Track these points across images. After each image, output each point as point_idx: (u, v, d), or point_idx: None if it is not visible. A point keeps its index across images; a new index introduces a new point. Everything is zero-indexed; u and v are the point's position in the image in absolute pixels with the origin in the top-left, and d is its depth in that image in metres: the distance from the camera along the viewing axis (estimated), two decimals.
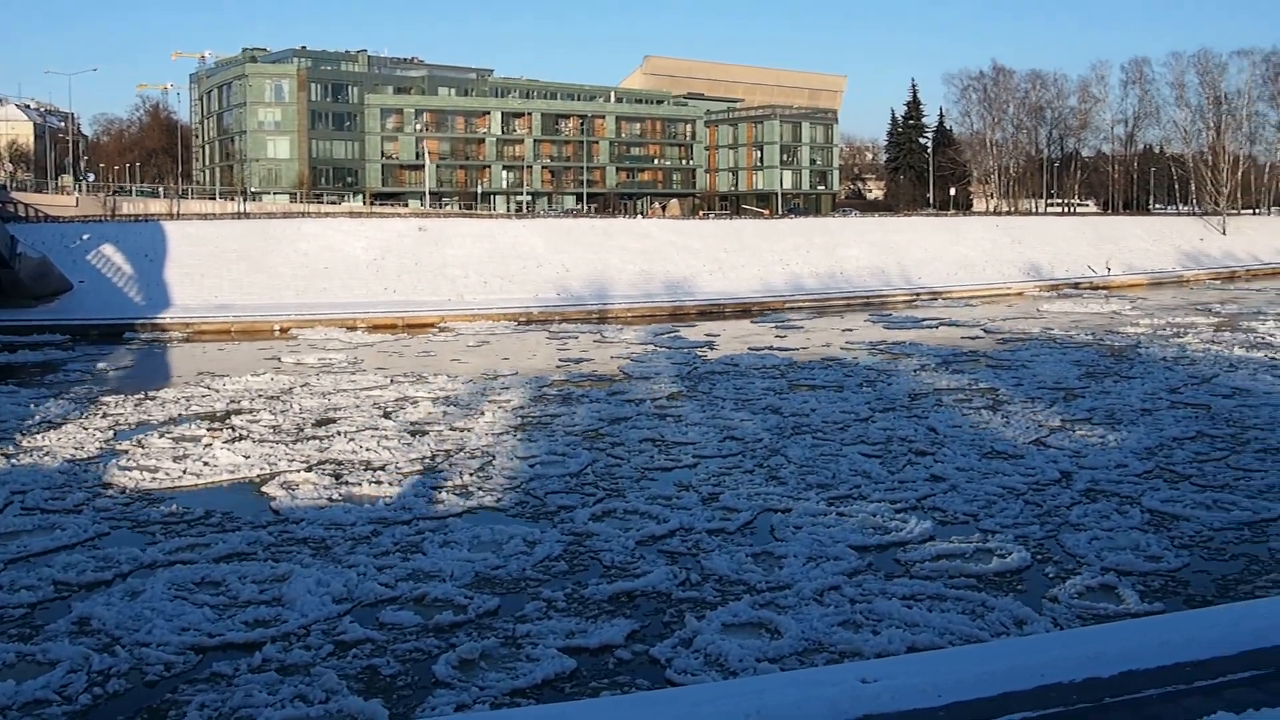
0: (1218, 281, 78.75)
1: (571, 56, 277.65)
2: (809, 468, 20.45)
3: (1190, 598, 13.73)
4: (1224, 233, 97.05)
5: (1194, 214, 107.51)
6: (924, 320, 49.95)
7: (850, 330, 46.59)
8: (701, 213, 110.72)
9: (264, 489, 19.13)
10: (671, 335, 43.81)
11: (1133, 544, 15.60)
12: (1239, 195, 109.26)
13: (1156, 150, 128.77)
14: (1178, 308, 55.66)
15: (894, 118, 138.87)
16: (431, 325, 47.75)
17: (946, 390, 29.39)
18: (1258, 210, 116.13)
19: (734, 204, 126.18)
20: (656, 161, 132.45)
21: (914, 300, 61.95)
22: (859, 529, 16.35)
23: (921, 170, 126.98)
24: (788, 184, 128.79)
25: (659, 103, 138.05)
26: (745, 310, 55.48)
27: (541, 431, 24.09)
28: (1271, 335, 41.12)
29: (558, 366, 35.18)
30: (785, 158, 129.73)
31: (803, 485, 19.22)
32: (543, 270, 59.23)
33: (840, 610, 13.00)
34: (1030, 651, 10.75)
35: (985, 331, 44.84)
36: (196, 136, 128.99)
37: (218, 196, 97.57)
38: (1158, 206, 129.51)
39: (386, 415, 25.88)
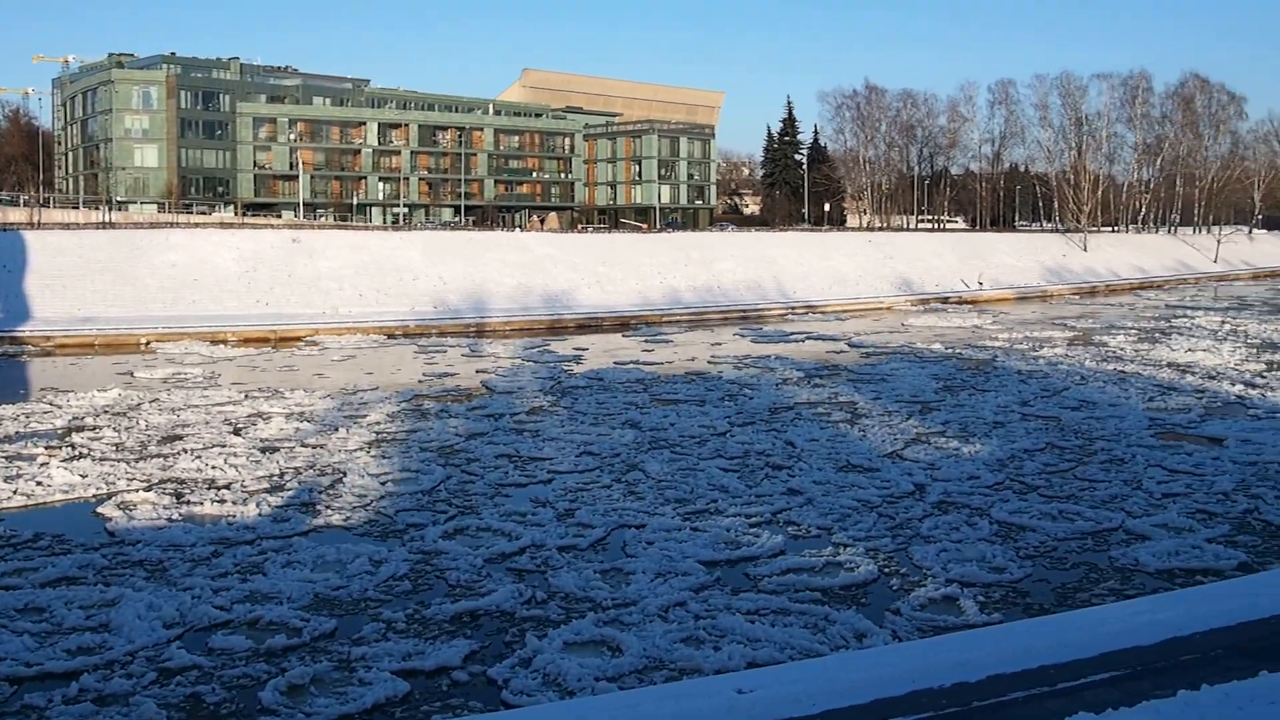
0: (1077, 296, 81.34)
1: (449, 68, 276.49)
2: (667, 483, 20.35)
3: (1028, 607, 13.94)
4: (1085, 249, 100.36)
5: (1057, 231, 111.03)
6: (791, 334, 50.39)
7: (719, 344, 46.75)
8: (580, 226, 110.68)
9: (100, 510, 18.29)
10: (541, 349, 43.49)
11: (979, 555, 15.80)
12: (1099, 213, 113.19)
13: (1022, 169, 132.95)
14: (1036, 322, 57.16)
15: (770, 134, 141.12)
16: (305, 338, 46.73)
17: (807, 404, 29.52)
18: (1116, 228, 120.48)
19: (613, 218, 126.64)
20: (535, 175, 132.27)
21: (789, 314, 62.62)
22: (711, 544, 16.27)
23: (797, 186, 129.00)
24: (666, 198, 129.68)
25: (538, 116, 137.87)
26: (624, 324, 55.51)
27: (396, 448, 23.59)
28: (1121, 349, 42.39)
29: (420, 381, 34.56)
30: (663, 172, 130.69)
31: (660, 500, 19.10)
32: (419, 283, 58.47)
33: (684, 627, 12.89)
34: (902, 658, 11.15)
35: (850, 345, 45.35)
36: (59, 143, 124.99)
37: (82, 205, 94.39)
38: (1023, 223, 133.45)
39: (236, 432, 25.06)
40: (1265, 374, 34.80)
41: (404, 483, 20.30)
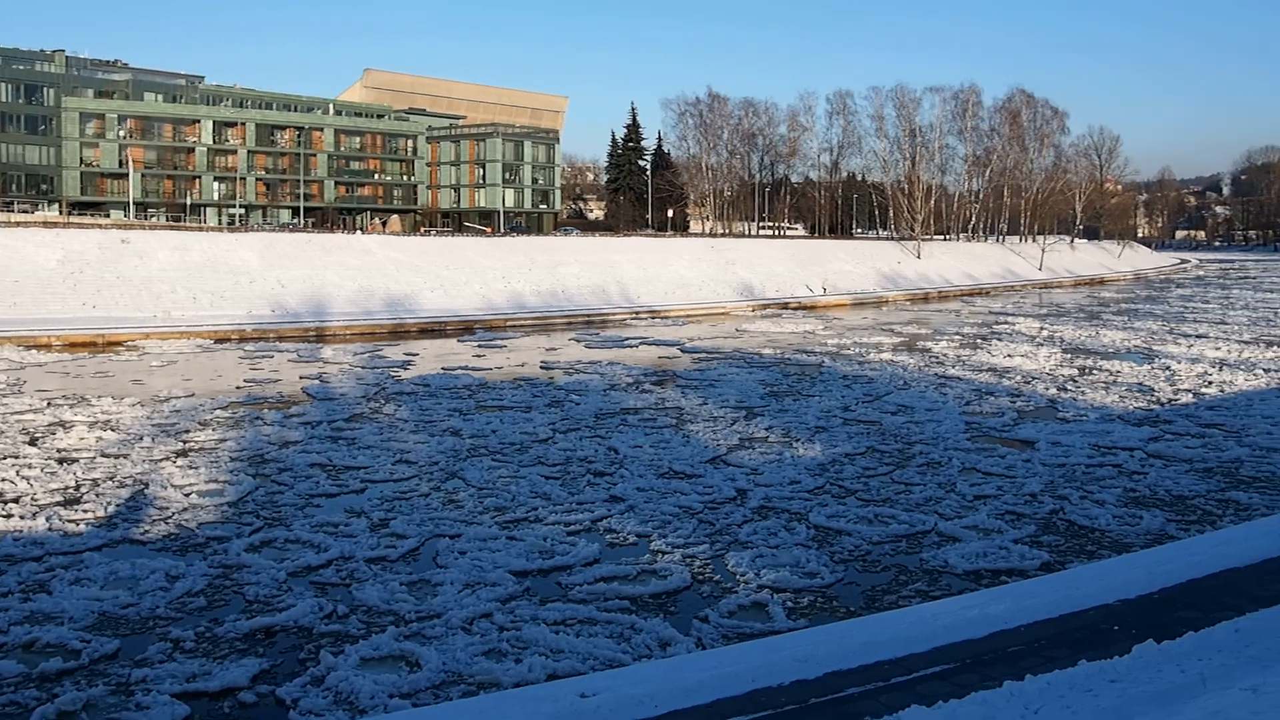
0: (911, 302, 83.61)
1: (288, 66, 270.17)
2: (488, 490, 20.01)
3: (835, 610, 14.07)
4: (919, 257, 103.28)
5: (892, 239, 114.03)
6: (626, 339, 50.44)
7: (554, 349, 46.46)
8: (423, 229, 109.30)
9: None
10: (372, 354, 42.49)
11: (793, 561, 15.90)
12: (932, 222, 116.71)
13: (859, 178, 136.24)
14: (867, 328, 58.34)
15: (614, 140, 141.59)
16: (134, 342, 44.74)
17: (634, 410, 29.44)
18: (948, 236, 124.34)
19: (456, 221, 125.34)
20: (377, 177, 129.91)
21: (633, 318, 62.81)
22: (525, 553, 16.00)
23: (641, 191, 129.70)
24: (510, 202, 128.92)
25: (380, 117, 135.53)
26: (467, 328, 54.82)
27: (204, 458, 22.59)
28: (944, 354, 43.58)
29: (239, 388, 33.25)
30: (508, 176, 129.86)
31: (479, 509, 18.76)
32: (257, 286, 56.64)
33: (487, 639, 12.60)
34: (743, 657, 11.13)
35: (683, 351, 45.54)
36: None
37: None
38: (860, 231, 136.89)
39: (33, 442, 23.68)
40: (1077, 378, 36.17)
41: (210, 494, 19.47)
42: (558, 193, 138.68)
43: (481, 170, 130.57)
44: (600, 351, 45.35)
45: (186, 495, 19.27)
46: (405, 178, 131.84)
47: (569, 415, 28.39)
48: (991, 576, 15.52)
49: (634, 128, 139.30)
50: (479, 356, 43.03)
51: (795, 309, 72.76)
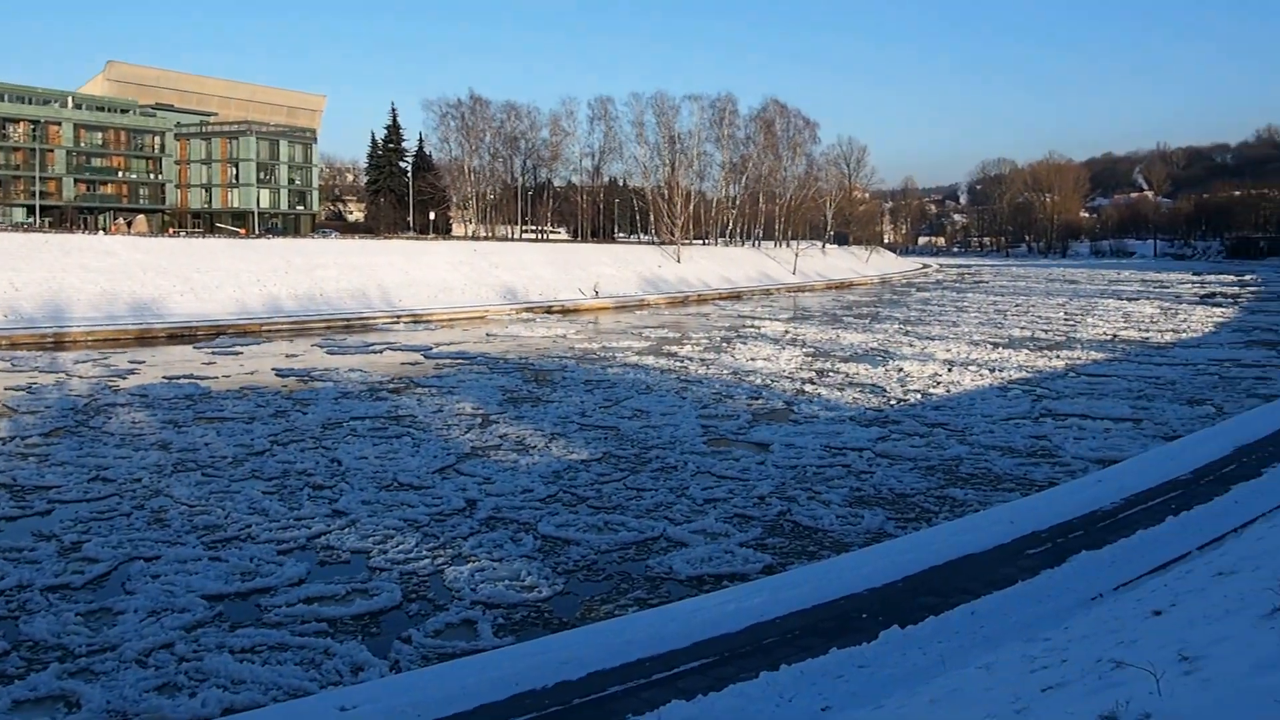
0: (671, 306, 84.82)
1: (20, 56, 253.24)
2: (200, 508, 18.84)
3: (547, 624, 13.71)
4: (679, 261, 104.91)
5: (653, 243, 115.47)
6: (372, 345, 49.21)
7: (294, 355, 44.73)
8: (172, 230, 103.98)
9: None
10: (95, 362, 39.79)
11: (513, 574, 15.51)
12: (691, 227, 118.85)
13: (621, 183, 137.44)
14: (619, 332, 58.76)
15: (375, 141, 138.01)
16: None
17: (365, 419, 28.49)
18: (706, 241, 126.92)
19: (208, 222, 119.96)
20: (122, 174, 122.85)
21: (395, 322, 61.50)
22: (226, 575, 15.06)
23: (402, 194, 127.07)
24: (265, 203, 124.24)
25: (124, 112, 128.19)
26: (220, 332, 52.47)
27: None
28: (689, 358, 44.09)
29: None
30: (262, 176, 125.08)
31: (187, 528, 17.62)
32: None
33: (163, 672, 11.71)
34: (509, 660, 11.01)
35: (426, 356, 44.59)
36: None
37: None
38: (622, 235, 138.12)
39: None
40: (815, 380, 37.16)
41: None
42: (315, 194, 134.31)
43: (235, 169, 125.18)
44: (341, 358, 43.97)
45: None
46: (152, 176, 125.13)
47: (293, 426, 27.20)
48: (714, 581, 15.53)
49: (395, 129, 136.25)
50: (209, 364, 40.97)
51: (558, 313, 72.69)
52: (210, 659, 12.01)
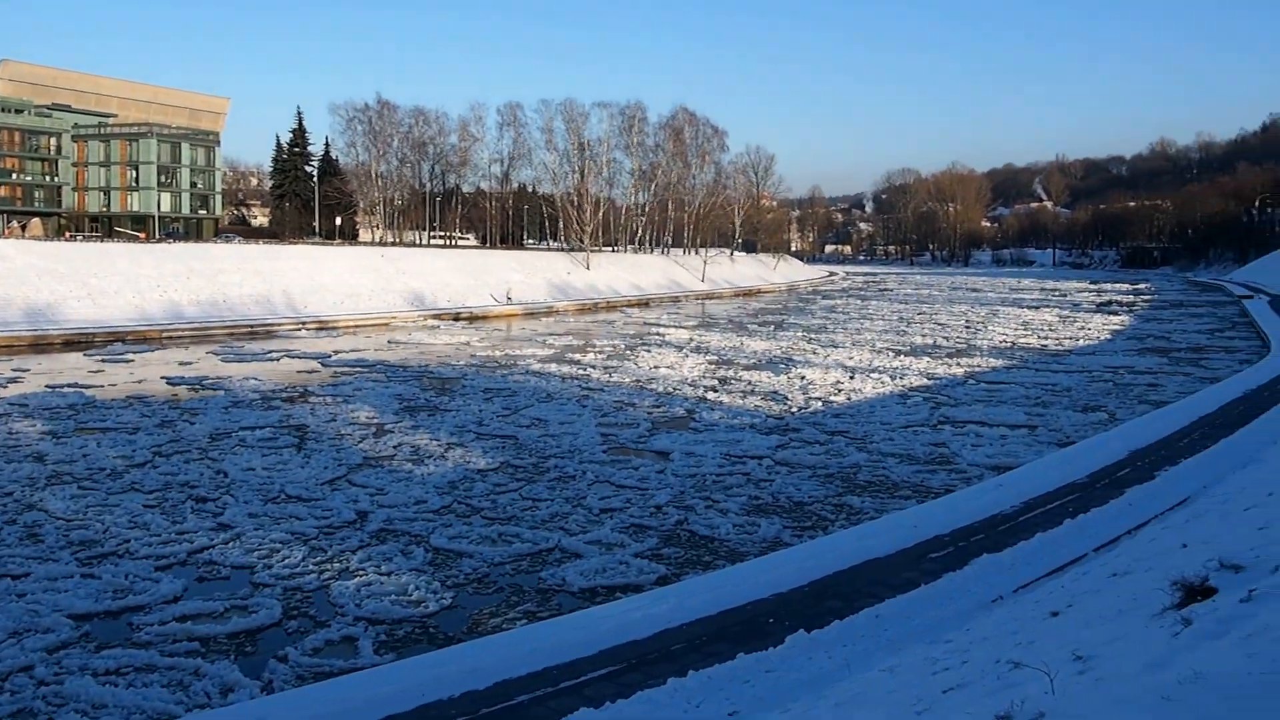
0: (580, 313, 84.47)
1: None
2: (77, 522, 18.19)
3: (432, 640, 13.42)
4: (588, 268, 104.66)
5: (563, 250, 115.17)
6: (270, 352, 48.18)
7: (188, 363, 43.60)
8: (69, 234, 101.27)
9: None
10: None
11: (400, 589, 15.17)
12: (601, 233, 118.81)
13: (530, 189, 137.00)
14: (524, 339, 58.25)
15: (280, 144, 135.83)
16: None
17: (255, 429, 27.80)
18: (616, 248, 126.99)
19: (106, 226, 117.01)
20: (15, 176, 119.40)
21: (300, 329, 60.41)
22: (96, 593, 14.53)
23: (308, 198, 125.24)
24: (166, 206, 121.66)
25: (18, 112, 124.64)
26: (118, 339, 51.03)
27: None
28: (592, 365, 43.86)
29: None
30: (164, 179, 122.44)
31: (62, 543, 16.99)
32: None
33: (19, 697, 11.22)
34: (415, 670, 10.77)
35: (324, 364, 43.80)
36: None
37: None
38: (531, 242, 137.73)
39: None
40: (718, 388, 37.17)
41: None
42: (219, 198, 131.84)
43: (134, 172, 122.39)
44: (236, 365, 42.96)
45: None
46: (48, 178, 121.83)
47: (179, 436, 26.45)
48: (607, 593, 15.36)
49: (300, 133, 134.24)
50: (97, 372, 39.74)
51: (465, 319, 72.06)
52: (71, 682, 11.52)
